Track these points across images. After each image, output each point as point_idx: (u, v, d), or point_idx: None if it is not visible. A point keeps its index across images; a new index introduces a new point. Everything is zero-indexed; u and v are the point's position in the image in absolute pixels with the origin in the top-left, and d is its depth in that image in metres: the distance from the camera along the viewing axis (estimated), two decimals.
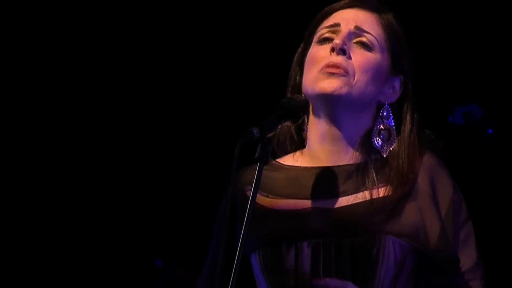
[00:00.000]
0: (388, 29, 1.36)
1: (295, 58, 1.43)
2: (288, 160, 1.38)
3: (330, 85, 1.28)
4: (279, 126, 1.24)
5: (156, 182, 3.01)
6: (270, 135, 1.18)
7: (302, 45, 1.42)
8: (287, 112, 1.26)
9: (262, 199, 1.30)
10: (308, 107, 1.34)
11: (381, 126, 1.32)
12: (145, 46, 2.91)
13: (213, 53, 2.95)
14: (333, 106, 1.30)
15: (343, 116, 1.31)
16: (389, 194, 1.25)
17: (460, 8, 2.63)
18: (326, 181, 1.29)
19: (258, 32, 3.02)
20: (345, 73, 1.28)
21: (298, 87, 1.37)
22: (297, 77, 1.39)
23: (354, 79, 1.29)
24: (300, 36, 1.44)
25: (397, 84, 1.36)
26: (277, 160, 1.38)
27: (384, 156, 1.31)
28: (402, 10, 1.43)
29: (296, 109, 1.28)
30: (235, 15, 2.99)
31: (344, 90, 1.28)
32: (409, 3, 2.47)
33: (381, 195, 1.26)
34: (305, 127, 1.38)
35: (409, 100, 1.36)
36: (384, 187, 1.26)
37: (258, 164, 1.16)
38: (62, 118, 2.97)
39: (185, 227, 3.00)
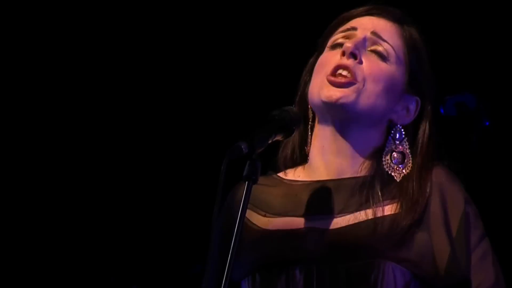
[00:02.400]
0: (408, 42, 1.24)
1: (306, 67, 1.33)
2: (289, 174, 1.29)
3: (336, 92, 1.17)
4: (270, 141, 1.12)
5: (134, 205, 2.90)
6: (259, 150, 1.07)
7: (316, 53, 1.32)
8: (279, 125, 1.14)
9: (258, 219, 1.22)
10: (302, 121, 1.23)
11: (393, 148, 1.21)
12: (137, 49, 2.85)
13: (209, 54, 2.89)
14: (339, 116, 1.20)
15: (349, 128, 1.21)
16: (395, 212, 1.15)
17: None
18: (325, 197, 1.19)
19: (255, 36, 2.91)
20: (354, 79, 1.18)
21: (306, 97, 1.27)
22: (306, 87, 1.28)
23: (363, 86, 1.18)
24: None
25: (412, 105, 1.24)
26: (278, 174, 1.30)
27: (398, 181, 1.19)
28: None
29: (289, 122, 1.16)
30: (225, 23, 2.90)
31: (351, 98, 1.17)
32: None
33: (386, 213, 1.15)
34: (308, 141, 1.28)
35: (426, 125, 1.24)
36: (390, 205, 1.16)
37: (246, 183, 1.05)
38: (47, 117, 2.91)
39: (162, 254, 2.90)
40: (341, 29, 1.26)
